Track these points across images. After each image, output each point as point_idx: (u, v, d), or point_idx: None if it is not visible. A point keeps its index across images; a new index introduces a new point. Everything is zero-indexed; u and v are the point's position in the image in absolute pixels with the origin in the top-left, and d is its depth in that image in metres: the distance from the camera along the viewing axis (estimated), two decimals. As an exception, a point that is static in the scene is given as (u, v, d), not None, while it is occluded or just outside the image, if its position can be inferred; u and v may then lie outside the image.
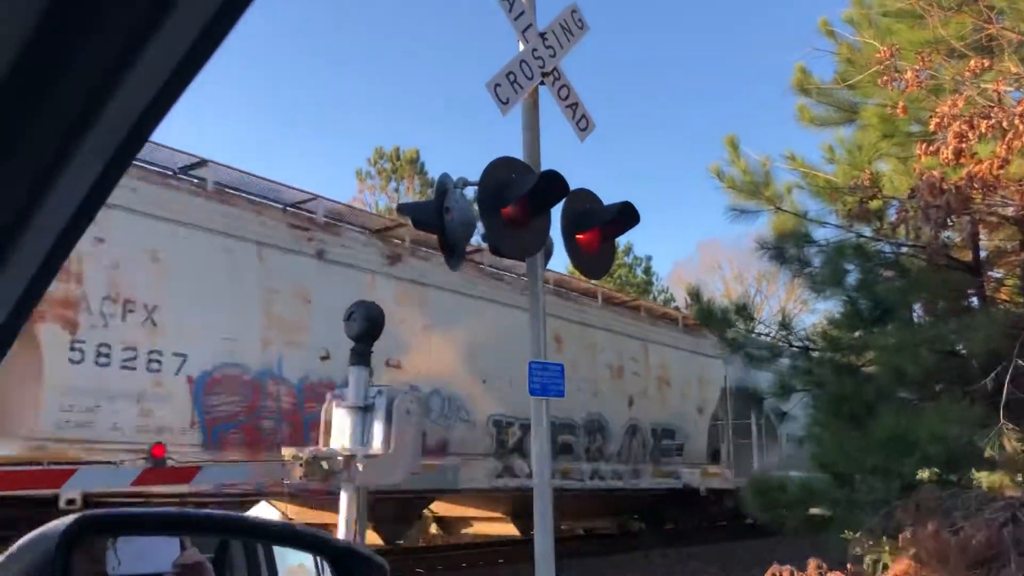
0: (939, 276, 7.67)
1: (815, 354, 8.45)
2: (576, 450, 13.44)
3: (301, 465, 4.27)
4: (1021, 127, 5.82)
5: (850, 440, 7.04)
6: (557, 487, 13.20)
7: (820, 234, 8.24)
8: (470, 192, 5.46)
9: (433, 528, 15.29)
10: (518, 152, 5.92)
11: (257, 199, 9.71)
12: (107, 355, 7.99)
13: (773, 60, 44.04)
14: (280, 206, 10.04)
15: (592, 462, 13.67)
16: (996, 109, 6.14)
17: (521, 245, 5.73)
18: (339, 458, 4.24)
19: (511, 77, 5.80)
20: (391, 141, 38.24)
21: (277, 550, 2.07)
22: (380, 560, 1.84)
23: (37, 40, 0.58)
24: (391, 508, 11.15)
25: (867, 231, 8.03)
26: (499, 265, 12.29)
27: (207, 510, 1.99)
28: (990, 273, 8.30)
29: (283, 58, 48.60)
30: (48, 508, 6.89)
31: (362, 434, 4.33)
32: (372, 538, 12.70)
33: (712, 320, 9.04)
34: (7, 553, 1.49)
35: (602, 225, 5.98)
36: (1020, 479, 6.22)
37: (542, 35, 6.13)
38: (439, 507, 13.77)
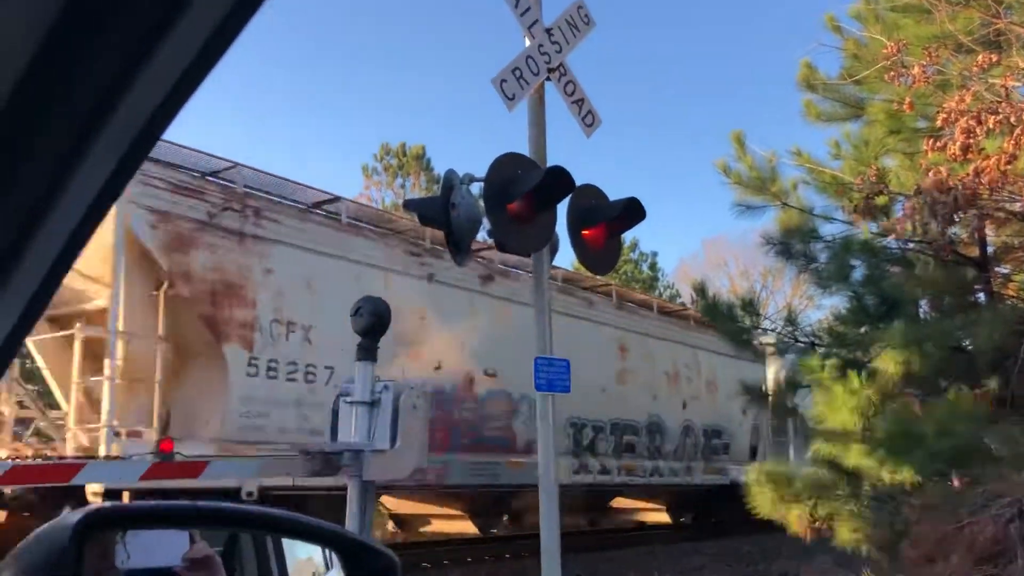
0: (946, 272, 7.64)
1: (821, 350, 8.43)
2: (639, 449, 14.81)
3: (309, 460, 4.29)
4: (1029, 122, 5.79)
5: (856, 436, 7.03)
6: (623, 482, 14.73)
7: (826, 230, 8.22)
8: (476, 188, 5.47)
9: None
10: (524, 148, 5.92)
11: (380, 230, 11.22)
12: (275, 369, 9.58)
13: (779, 56, 43.90)
14: (398, 233, 11.62)
15: (652, 460, 15.06)
16: (1004, 104, 6.12)
17: (527, 241, 5.73)
18: (346, 453, 4.26)
19: (517, 73, 5.79)
20: (397, 137, 38.25)
21: (286, 543, 2.09)
22: (390, 553, 1.86)
23: (52, 39, 0.58)
24: (487, 500, 12.96)
25: (873, 227, 8.01)
26: (572, 280, 14.16)
27: (216, 503, 2.01)
28: (997, 269, 8.27)
29: (288, 53, 48.65)
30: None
31: (369, 429, 4.35)
32: (470, 528, 13.66)
33: (717, 315, 9.02)
34: (19, 546, 1.51)
35: (608, 221, 5.98)
36: (1027, 475, 6.20)
37: (548, 31, 6.12)
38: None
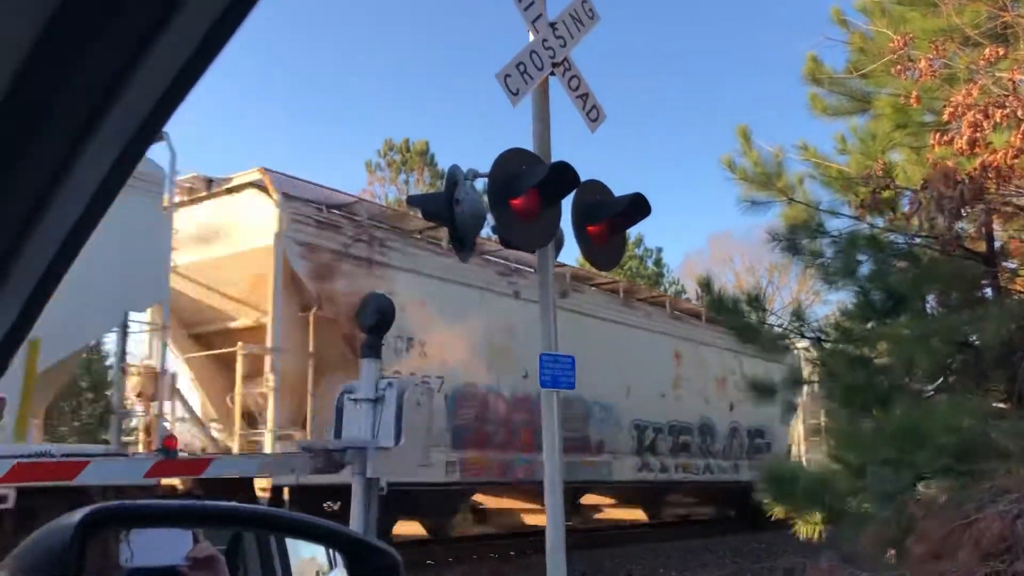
0: (952, 267, 7.60)
1: (827, 345, 8.41)
2: (692, 449, 16.27)
3: (312, 457, 4.28)
4: (1036, 116, 5.76)
5: (862, 432, 7.01)
6: (679, 479, 16.04)
7: (833, 225, 8.18)
8: (480, 184, 5.44)
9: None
10: (528, 143, 5.90)
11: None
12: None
13: (784, 50, 43.79)
14: (491, 258, 12.79)
15: (704, 458, 16.51)
16: (1011, 98, 6.08)
17: (531, 237, 5.71)
18: (350, 450, 4.25)
19: (521, 68, 5.76)
20: (401, 133, 38.26)
21: (289, 542, 2.08)
22: (392, 552, 1.85)
23: (49, 36, 0.57)
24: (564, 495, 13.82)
25: (880, 222, 7.97)
26: (631, 292, 15.81)
27: (220, 502, 2.00)
28: (1004, 264, 8.23)
29: (293, 50, 48.65)
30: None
31: (373, 426, 4.34)
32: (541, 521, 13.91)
33: (723, 310, 9.00)
34: (22, 544, 1.50)
35: (613, 217, 5.95)
36: (1034, 471, 6.17)
37: (552, 25, 6.09)
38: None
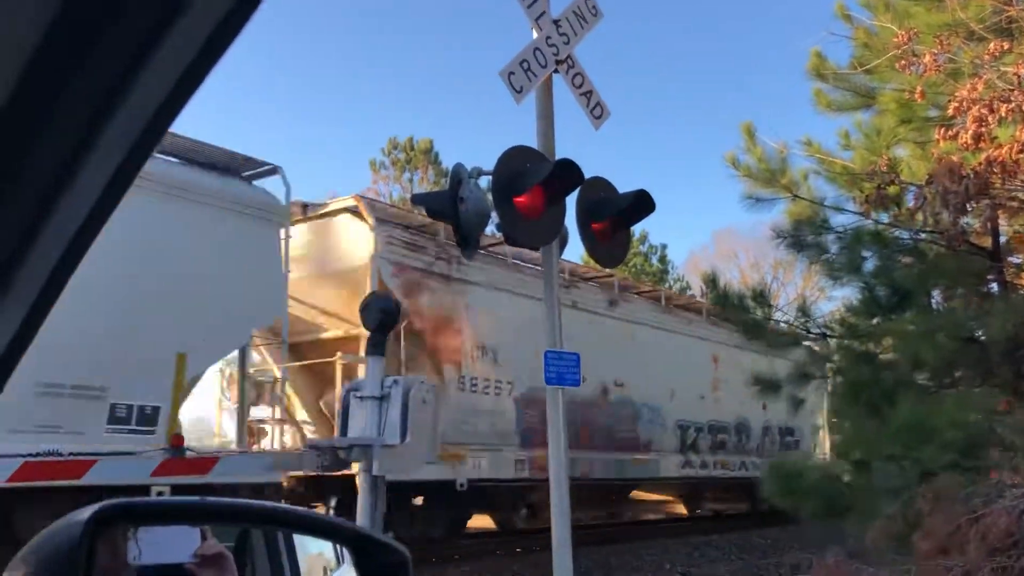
0: (958, 262, 7.58)
1: (833, 341, 8.40)
2: (729, 447, 17.26)
3: (318, 455, 4.30)
4: (1041, 110, 5.74)
5: (868, 427, 6.99)
6: (718, 476, 16.96)
7: (837, 221, 8.16)
8: (484, 182, 5.45)
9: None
10: (532, 141, 5.90)
11: (531, 266, 12.77)
12: (475, 384, 11.98)
13: (788, 47, 43.63)
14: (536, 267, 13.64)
15: (739, 456, 17.42)
16: (1016, 92, 6.07)
17: (536, 234, 5.72)
18: (355, 448, 4.27)
19: (525, 65, 5.76)
20: (405, 131, 38.24)
21: (297, 538, 2.09)
22: (401, 548, 1.85)
23: (53, 37, 0.57)
24: (599, 493, 15.07)
25: (884, 217, 7.95)
26: (671, 300, 16.86)
27: (228, 499, 2.01)
28: (1010, 259, 8.21)
29: (296, 49, 48.67)
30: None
31: (379, 424, 4.35)
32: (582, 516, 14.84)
33: (729, 306, 8.99)
34: (31, 542, 1.51)
35: (617, 214, 5.95)
36: (1041, 466, 6.16)
37: (556, 23, 6.09)
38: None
